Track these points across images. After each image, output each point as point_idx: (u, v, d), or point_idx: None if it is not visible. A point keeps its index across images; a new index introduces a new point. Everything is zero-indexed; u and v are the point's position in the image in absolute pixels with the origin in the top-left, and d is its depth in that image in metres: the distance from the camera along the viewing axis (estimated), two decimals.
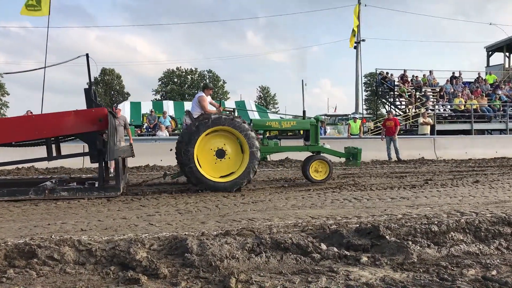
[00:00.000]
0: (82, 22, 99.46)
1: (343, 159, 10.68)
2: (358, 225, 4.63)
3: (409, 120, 22.26)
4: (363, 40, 24.99)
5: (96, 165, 8.23)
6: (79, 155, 8.64)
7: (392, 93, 24.87)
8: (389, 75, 25.47)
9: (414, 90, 23.82)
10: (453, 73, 25.43)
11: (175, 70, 74.15)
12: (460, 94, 22.64)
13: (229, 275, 3.19)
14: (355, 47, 24.55)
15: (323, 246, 3.90)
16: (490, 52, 30.41)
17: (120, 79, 73.25)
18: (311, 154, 9.56)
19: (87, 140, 7.95)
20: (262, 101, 77.10)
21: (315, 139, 9.51)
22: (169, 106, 31.82)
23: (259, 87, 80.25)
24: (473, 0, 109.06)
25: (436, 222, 4.63)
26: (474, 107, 21.54)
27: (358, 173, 10.64)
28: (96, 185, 7.91)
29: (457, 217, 5.35)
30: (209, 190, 8.02)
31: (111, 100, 67.58)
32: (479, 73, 26.36)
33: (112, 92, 72.77)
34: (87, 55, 8.15)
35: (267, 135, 9.74)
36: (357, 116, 22.97)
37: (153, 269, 3.37)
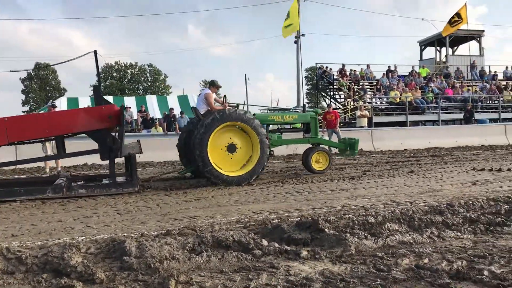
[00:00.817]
0: (13, 14, 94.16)
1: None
2: (298, 219, 4.70)
3: (348, 113, 22.90)
4: (303, 35, 25.24)
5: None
6: (89, 152, 8.21)
7: (331, 86, 25.43)
8: (329, 69, 26.03)
9: (352, 83, 24.48)
10: (389, 66, 26.35)
11: (114, 64, 71.97)
12: (395, 87, 23.49)
13: (168, 277, 3.13)
14: (295, 42, 24.84)
15: (265, 242, 3.92)
16: (423, 47, 31.76)
17: (55, 74, 70.14)
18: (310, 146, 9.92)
19: (97, 138, 7.87)
20: None
21: (315, 132, 9.93)
22: None
23: (202, 81, 79.59)
24: None
25: (373, 214, 4.79)
26: (409, 99, 22.44)
27: (300, 166, 10.79)
28: (108, 182, 7.80)
29: (393, 207, 5.55)
30: (228, 185, 8.12)
31: (47, 96, 64.57)
32: (413, 67, 27.46)
33: (48, 88, 69.62)
34: (95, 52, 8.08)
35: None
36: (298, 109, 23.35)
37: (89, 275, 3.24)
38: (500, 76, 27.79)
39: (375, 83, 24.70)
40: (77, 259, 3.47)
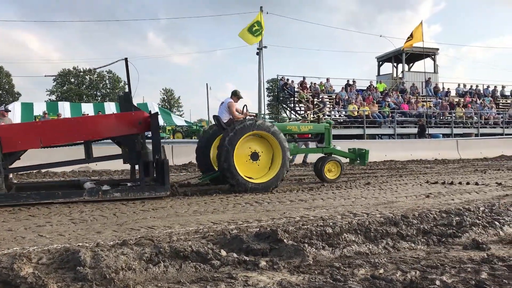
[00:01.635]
0: None
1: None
2: (258, 229, 4.70)
3: None
4: (265, 47, 25.58)
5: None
6: (115, 157, 8.40)
7: (292, 98, 25.76)
8: (290, 81, 26.37)
9: (312, 96, 24.88)
10: (348, 81, 27.00)
11: (72, 69, 70.16)
12: (354, 101, 24.07)
13: None
14: (257, 53, 25.08)
15: (223, 252, 3.90)
16: (381, 62, 32.76)
17: (9, 78, 67.65)
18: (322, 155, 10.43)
19: (127, 143, 8.09)
20: (166, 104, 75.77)
21: (328, 142, 10.38)
22: (65, 108, 30.05)
23: (163, 89, 78.86)
24: (364, 12, 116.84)
25: (331, 224, 4.85)
26: (366, 113, 23.04)
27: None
28: (141, 186, 7.93)
29: (350, 218, 5.65)
30: (245, 191, 8.40)
31: None
32: (370, 82, 28.24)
33: (1, 92, 67.05)
34: (125, 59, 8.40)
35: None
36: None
37: (40, 286, 3.12)
38: (453, 93, 28.98)
39: (334, 96, 25.22)
40: (28, 270, 3.34)
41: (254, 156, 8.84)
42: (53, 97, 67.43)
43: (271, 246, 4.08)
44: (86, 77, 69.83)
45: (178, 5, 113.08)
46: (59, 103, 35.76)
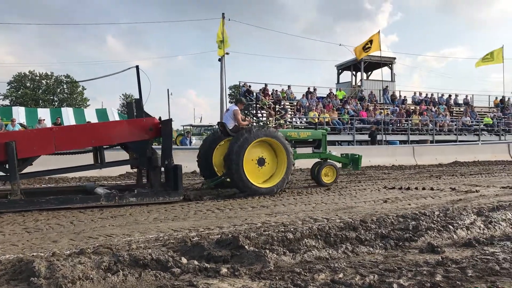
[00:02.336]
0: None
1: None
2: (219, 236, 4.69)
3: None
4: (227, 53, 25.58)
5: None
6: (126, 162, 8.82)
7: (254, 105, 25.87)
8: (251, 88, 26.48)
9: (274, 103, 25.07)
10: (308, 88, 27.37)
11: (28, 73, 67.83)
12: (314, 108, 24.40)
13: None
14: (219, 60, 25.05)
15: (184, 260, 3.86)
16: (340, 70, 33.39)
17: None
18: (318, 160, 10.90)
19: (137, 148, 8.32)
20: (126, 109, 74.42)
21: (324, 147, 10.84)
22: (19, 113, 28.96)
23: (123, 94, 77.39)
24: (323, 21, 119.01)
25: (291, 230, 4.89)
26: (327, 120, 23.40)
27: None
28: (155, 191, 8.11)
29: (311, 223, 5.72)
30: (255, 195, 8.71)
31: None
32: (330, 89, 28.71)
33: None
34: (137, 67, 8.58)
35: None
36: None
37: None
38: (409, 100, 29.87)
39: (295, 103, 25.49)
40: None
41: (261, 162, 9.21)
42: (7, 102, 64.95)
43: (232, 253, 4.08)
44: (43, 81, 67.67)
45: (138, 10, 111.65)
46: (13, 108, 34.44)
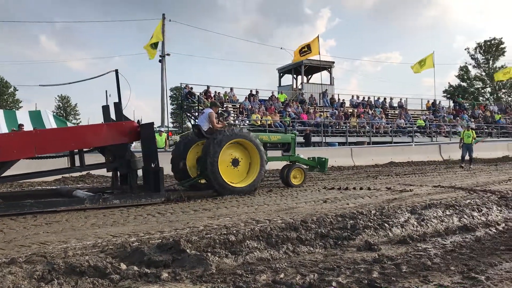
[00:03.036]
0: None
1: None
2: (160, 241, 4.61)
3: None
4: (168, 54, 25.30)
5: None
6: (107, 165, 8.89)
7: (196, 107, 25.68)
8: (193, 90, 26.27)
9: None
10: (251, 91, 27.54)
11: None
12: (257, 111, 24.60)
13: None
14: (160, 61, 24.67)
15: (123, 266, 3.76)
16: (281, 74, 33.89)
17: None
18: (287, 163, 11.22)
19: (117, 151, 8.43)
20: (62, 112, 71.56)
21: (293, 151, 11.24)
22: None
23: (58, 96, 74.27)
24: (264, 25, 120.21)
25: (234, 232, 4.90)
26: (269, 122, 23.65)
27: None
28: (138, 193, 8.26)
29: (253, 225, 5.75)
30: (228, 194, 8.98)
31: None
32: (272, 92, 29.07)
33: None
34: (116, 71, 8.70)
35: None
36: (162, 129, 23.11)
37: None
38: (347, 103, 30.81)
39: (238, 106, 25.56)
40: None
41: (235, 162, 9.52)
42: None
43: (173, 257, 4.02)
44: None
45: (72, 9, 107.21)
46: None
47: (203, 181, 9.66)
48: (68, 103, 74.88)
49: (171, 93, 62.65)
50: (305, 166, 11.31)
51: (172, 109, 66.16)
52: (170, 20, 25.44)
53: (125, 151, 8.47)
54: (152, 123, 8.92)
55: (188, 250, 4.10)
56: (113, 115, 8.96)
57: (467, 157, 17.18)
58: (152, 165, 8.32)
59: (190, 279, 3.58)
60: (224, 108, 25.03)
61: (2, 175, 7.56)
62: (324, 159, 11.64)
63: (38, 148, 7.60)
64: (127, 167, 8.44)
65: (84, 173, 12.95)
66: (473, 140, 17.29)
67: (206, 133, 9.58)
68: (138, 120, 8.64)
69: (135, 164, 8.43)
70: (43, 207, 7.17)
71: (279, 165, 12.79)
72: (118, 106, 8.73)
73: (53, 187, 10.26)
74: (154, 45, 23.46)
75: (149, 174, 8.51)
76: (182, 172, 9.96)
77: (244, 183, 9.43)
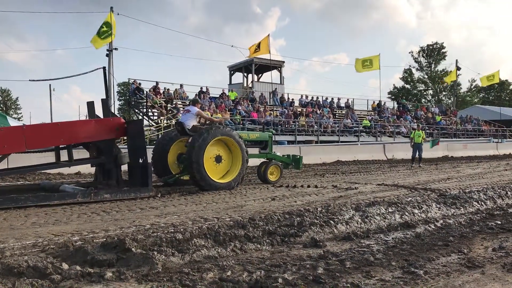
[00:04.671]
0: None
1: None
2: (104, 240, 4.49)
3: (161, 131, 22.94)
4: (116, 49, 24.58)
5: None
6: (94, 160, 9.02)
7: (145, 103, 25.20)
8: (142, 86, 25.76)
9: (165, 102, 24.65)
10: (201, 88, 27.35)
11: None
12: (207, 108, 24.46)
13: None
14: (107, 55, 23.98)
15: (65, 266, 3.64)
16: (232, 72, 33.88)
17: None
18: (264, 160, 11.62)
19: (104, 147, 8.61)
20: (2, 106, 68.20)
21: (271, 148, 11.60)
22: None
23: None
24: (212, 22, 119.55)
25: (181, 230, 4.86)
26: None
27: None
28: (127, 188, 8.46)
29: (201, 223, 5.72)
30: (213, 190, 9.26)
31: None
32: (223, 90, 29.02)
33: None
34: (104, 68, 9.11)
35: None
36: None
37: None
38: (297, 103, 31.27)
39: (188, 103, 25.31)
40: None
41: (218, 159, 9.79)
42: None
43: (118, 256, 3.93)
44: None
45: None
46: None
47: (186, 177, 9.92)
48: (9, 97, 71.55)
49: (119, 88, 61.12)
50: (280, 163, 11.56)
51: (119, 105, 64.54)
52: (118, 14, 24.72)
53: (112, 146, 8.66)
54: (142, 120, 9.32)
55: (133, 249, 4.02)
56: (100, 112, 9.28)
57: (417, 156, 17.85)
58: (140, 161, 8.48)
59: (135, 278, 3.51)
60: (174, 105, 24.73)
61: None
62: (298, 157, 12.06)
63: (29, 143, 7.75)
64: (114, 163, 8.62)
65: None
66: (423, 141, 17.97)
67: (190, 131, 9.75)
68: (124, 116, 8.84)
69: (121, 160, 8.65)
70: (37, 201, 7.32)
71: (253, 162, 13.00)
72: (105, 102, 9.03)
73: (37, 182, 10.33)
74: (102, 35, 22.72)
75: (136, 169, 8.71)
76: (163, 168, 10.29)
77: (226, 179, 9.73)
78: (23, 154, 8.93)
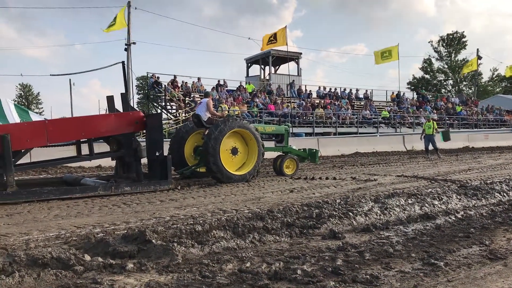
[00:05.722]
0: None
1: None
2: (125, 231, 4.56)
3: (180, 124, 23.09)
4: (134, 43, 24.80)
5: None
6: (115, 154, 9.18)
7: (163, 97, 25.38)
8: (160, 79, 25.93)
9: (183, 95, 24.78)
10: (219, 81, 27.41)
11: None
12: (224, 101, 24.52)
13: None
14: (125, 49, 24.20)
15: (87, 257, 3.71)
16: (249, 64, 33.87)
17: None
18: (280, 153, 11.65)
19: (124, 141, 8.76)
20: (23, 101, 69.41)
21: (287, 142, 11.61)
22: None
23: (19, 84, 71.88)
24: (226, 14, 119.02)
25: (200, 222, 4.90)
26: (237, 113, 23.63)
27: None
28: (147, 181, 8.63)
29: (220, 215, 5.76)
30: (229, 181, 9.34)
31: None
32: (240, 82, 29.03)
33: None
34: (122, 62, 9.29)
35: None
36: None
37: None
38: (314, 94, 31.10)
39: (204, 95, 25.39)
40: None
41: (234, 151, 9.83)
42: None
43: (139, 248, 3.99)
44: None
45: None
46: None
47: (202, 169, 9.99)
48: (30, 92, 72.73)
49: (137, 82, 61.59)
50: (296, 157, 11.54)
51: (138, 98, 65.06)
52: (136, 8, 24.89)
53: (132, 140, 8.78)
54: (160, 114, 9.48)
55: (154, 241, 4.08)
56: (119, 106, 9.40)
57: (430, 147, 17.62)
58: (157, 154, 8.65)
59: (155, 270, 3.56)
60: (191, 98, 24.84)
61: (16, 163, 7.78)
62: (314, 151, 12.02)
63: (50, 137, 7.90)
64: (134, 156, 8.74)
65: None
66: (435, 132, 17.70)
67: (206, 123, 9.89)
68: (144, 111, 9.01)
69: (141, 153, 8.77)
70: (60, 194, 7.50)
71: (270, 155, 13.00)
72: (124, 96, 9.16)
73: (59, 176, 10.58)
74: (113, 25, 22.95)
75: (156, 163, 8.86)
76: (180, 160, 10.34)
77: (242, 171, 9.76)
78: (45, 148, 9.06)
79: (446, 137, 19.71)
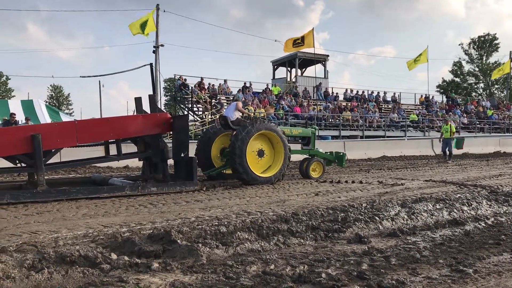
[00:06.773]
0: None
1: None
2: (151, 231, 4.61)
3: (206, 125, 23.26)
4: (162, 45, 25.14)
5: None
6: (142, 155, 9.29)
7: (190, 99, 25.62)
8: (187, 81, 26.19)
9: (210, 97, 24.96)
10: (245, 83, 27.49)
11: None
12: (250, 103, 24.58)
13: None
14: (153, 52, 24.56)
15: (114, 256, 3.77)
16: (275, 66, 33.86)
17: None
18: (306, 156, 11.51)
19: (151, 141, 8.86)
20: (54, 102, 71.10)
21: (313, 144, 11.56)
22: None
23: (51, 85, 73.65)
24: (252, 17, 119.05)
25: (225, 223, 4.91)
26: (262, 115, 23.66)
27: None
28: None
29: (244, 217, 5.76)
30: (254, 183, 9.38)
31: None
32: (266, 85, 29.05)
33: None
34: (151, 64, 9.50)
35: None
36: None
37: None
38: (341, 97, 30.85)
39: (231, 98, 25.51)
40: None
41: (260, 153, 9.87)
42: None
43: (164, 248, 4.03)
44: None
45: None
46: None
47: (228, 170, 10.06)
48: (61, 93, 74.41)
49: (165, 84, 62.30)
50: (323, 160, 11.49)
51: (165, 100, 65.80)
52: (164, 11, 25.24)
53: (159, 141, 8.87)
54: (187, 115, 9.59)
55: (179, 241, 4.11)
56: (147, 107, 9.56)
57: (447, 151, 17.26)
58: (182, 155, 8.76)
59: (180, 270, 3.59)
60: (218, 100, 25.00)
61: (47, 163, 7.90)
62: (341, 154, 11.90)
63: (80, 138, 8.06)
64: (160, 157, 8.84)
65: None
66: (453, 136, 17.29)
67: (233, 124, 9.96)
68: (170, 112, 9.18)
69: (168, 154, 8.88)
70: (88, 193, 7.64)
71: (296, 157, 12.90)
72: (152, 98, 9.31)
73: (88, 175, 10.79)
74: (142, 28, 23.22)
75: (181, 164, 8.96)
76: (207, 161, 10.44)
77: (268, 174, 9.78)
78: (74, 148, 9.20)
79: (459, 145, 19.30)
